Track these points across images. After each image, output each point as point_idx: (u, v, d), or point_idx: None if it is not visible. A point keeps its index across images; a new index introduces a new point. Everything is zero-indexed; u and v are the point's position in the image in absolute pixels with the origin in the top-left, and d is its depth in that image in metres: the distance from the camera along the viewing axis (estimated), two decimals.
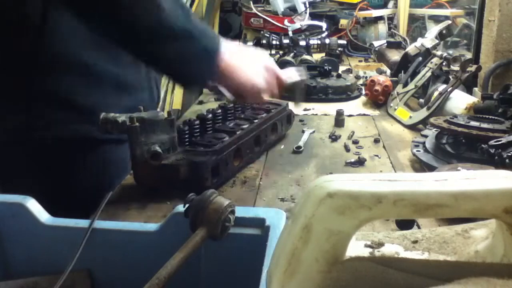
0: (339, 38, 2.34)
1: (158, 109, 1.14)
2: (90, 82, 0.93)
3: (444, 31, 1.58)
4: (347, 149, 1.13)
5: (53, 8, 0.88)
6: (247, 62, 0.91)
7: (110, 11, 0.76)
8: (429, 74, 1.39)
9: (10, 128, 0.94)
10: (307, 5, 2.49)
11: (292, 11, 2.51)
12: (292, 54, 2.01)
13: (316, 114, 1.43)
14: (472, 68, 1.27)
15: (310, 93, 1.56)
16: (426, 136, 1.07)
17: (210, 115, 1.02)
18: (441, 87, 1.29)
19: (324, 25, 2.41)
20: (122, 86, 0.98)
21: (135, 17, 0.77)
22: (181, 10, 0.80)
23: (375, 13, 2.41)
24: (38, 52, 0.90)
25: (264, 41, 2.19)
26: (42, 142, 0.93)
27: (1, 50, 0.91)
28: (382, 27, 2.37)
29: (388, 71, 1.81)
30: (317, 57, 1.98)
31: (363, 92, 1.58)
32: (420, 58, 1.50)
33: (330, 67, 1.70)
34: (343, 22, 2.50)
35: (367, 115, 1.42)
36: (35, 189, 0.69)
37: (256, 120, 1.06)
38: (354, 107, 1.50)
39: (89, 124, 0.92)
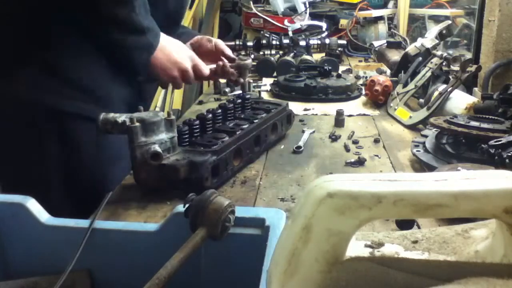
0: (339, 38, 2.35)
1: (158, 109, 1.15)
2: (90, 64, 1.02)
3: (444, 31, 1.58)
4: (347, 149, 1.13)
5: None
6: (175, 51, 1.10)
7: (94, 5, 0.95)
8: (429, 74, 1.39)
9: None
10: (307, 5, 2.49)
11: (292, 11, 2.51)
12: (292, 54, 2.01)
13: (316, 114, 1.43)
14: (472, 68, 1.27)
15: (310, 93, 1.56)
16: (426, 136, 1.07)
17: (210, 115, 1.02)
18: (441, 87, 1.29)
19: (324, 25, 2.41)
20: (115, 75, 1.05)
21: (112, 12, 0.96)
22: (144, 11, 1.00)
23: (375, 13, 2.41)
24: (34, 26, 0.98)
25: (264, 41, 2.19)
26: (36, 114, 0.99)
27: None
28: (382, 27, 2.37)
29: (388, 71, 1.81)
30: (317, 57, 1.98)
31: (363, 92, 1.58)
32: (420, 58, 1.50)
33: (330, 67, 1.70)
34: (343, 22, 2.50)
35: (367, 115, 1.42)
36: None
37: (256, 120, 1.06)
38: (354, 107, 1.50)
39: (82, 101, 1.00)
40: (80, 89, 1.00)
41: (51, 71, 0.98)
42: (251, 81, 1.77)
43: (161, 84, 1.25)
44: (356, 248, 0.40)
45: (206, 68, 1.15)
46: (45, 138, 1.00)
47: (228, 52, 1.26)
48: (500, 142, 0.84)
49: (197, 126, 0.98)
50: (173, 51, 1.08)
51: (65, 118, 1.00)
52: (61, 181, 1.01)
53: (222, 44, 1.27)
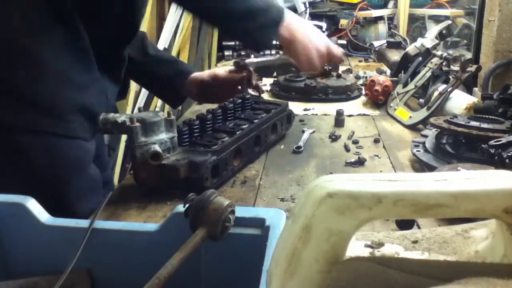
0: (339, 38, 2.35)
1: (158, 109, 1.13)
2: (34, 72, 0.91)
3: (444, 31, 1.58)
4: (347, 149, 1.13)
5: None
6: (310, 31, 1.11)
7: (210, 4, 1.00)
8: (429, 74, 1.39)
9: None
10: (307, 5, 2.49)
11: (292, 11, 2.51)
12: None
13: (316, 114, 1.43)
14: (472, 68, 1.27)
15: (310, 93, 1.56)
16: (426, 136, 1.07)
17: (210, 115, 1.02)
18: (441, 87, 1.29)
19: (324, 25, 2.41)
20: (69, 81, 0.95)
21: (229, 6, 1.00)
22: None
23: (375, 13, 2.41)
24: None
25: None
26: None
27: None
28: (382, 27, 2.37)
29: (388, 71, 1.81)
30: None
31: (363, 92, 1.58)
32: (420, 58, 1.50)
33: (330, 67, 1.70)
34: (343, 22, 2.50)
35: (367, 115, 1.42)
36: None
37: (256, 120, 1.06)
38: (354, 107, 1.50)
39: (31, 113, 0.90)
40: (25, 100, 0.91)
41: None
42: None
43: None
44: (356, 248, 0.40)
45: (338, 49, 1.15)
46: None
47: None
48: (500, 142, 0.84)
49: (197, 126, 0.98)
50: (311, 32, 1.10)
51: (9, 131, 0.91)
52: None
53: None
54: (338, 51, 1.13)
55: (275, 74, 1.84)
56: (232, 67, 1.24)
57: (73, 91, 0.95)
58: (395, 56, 1.80)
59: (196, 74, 1.25)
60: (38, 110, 0.91)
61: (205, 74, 1.26)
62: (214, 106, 1.15)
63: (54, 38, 0.92)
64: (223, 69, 1.29)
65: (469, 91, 1.42)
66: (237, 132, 0.98)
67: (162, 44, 2.47)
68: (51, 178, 0.93)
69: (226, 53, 2.41)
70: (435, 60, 1.41)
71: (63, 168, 0.95)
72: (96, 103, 0.98)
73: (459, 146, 0.96)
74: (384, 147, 1.15)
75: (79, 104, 0.94)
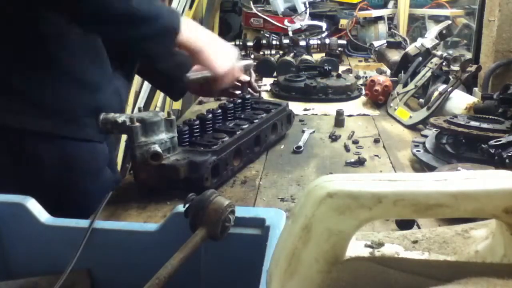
0: (339, 38, 2.34)
1: (158, 109, 1.11)
2: (48, 74, 0.91)
3: (444, 31, 1.58)
4: (347, 149, 1.13)
5: None
6: (215, 39, 1.01)
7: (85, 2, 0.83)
8: (429, 74, 1.39)
9: None
10: (307, 5, 2.49)
11: (292, 11, 2.51)
12: (292, 54, 2.01)
13: (316, 114, 1.43)
14: (472, 68, 1.27)
15: (310, 93, 1.56)
16: (426, 136, 1.07)
17: (210, 115, 1.02)
18: (441, 87, 1.29)
19: (324, 25, 2.41)
20: (83, 83, 0.95)
21: (107, 4, 0.84)
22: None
23: (375, 13, 2.41)
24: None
25: (264, 41, 2.19)
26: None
27: None
28: (382, 27, 2.37)
29: (388, 71, 1.81)
30: (317, 57, 1.98)
31: (363, 92, 1.58)
32: (420, 58, 1.50)
33: (330, 67, 1.70)
34: (343, 22, 2.50)
35: (367, 115, 1.42)
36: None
37: (256, 120, 1.06)
38: (354, 107, 1.50)
39: (45, 117, 0.90)
40: (35, 103, 0.90)
41: (4, 87, 0.88)
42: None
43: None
44: (356, 248, 0.40)
45: (244, 76, 1.10)
46: (4, 157, 0.90)
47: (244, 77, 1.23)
48: (500, 142, 0.84)
49: (197, 126, 0.98)
50: (215, 39, 1.01)
51: (19, 136, 0.90)
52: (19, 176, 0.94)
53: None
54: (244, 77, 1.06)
55: (275, 74, 1.84)
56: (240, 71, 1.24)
57: (87, 92, 0.94)
58: (395, 56, 1.80)
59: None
60: (53, 113, 0.90)
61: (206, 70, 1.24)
62: (214, 106, 1.15)
63: (69, 39, 0.92)
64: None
65: (469, 91, 1.42)
66: (237, 132, 0.98)
67: None
68: (66, 183, 0.93)
69: None
70: (435, 60, 1.41)
71: (78, 172, 0.94)
72: (110, 103, 0.98)
73: (459, 146, 0.96)
74: (384, 147, 1.15)
75: (94, 106, 0.93)
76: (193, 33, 0.94)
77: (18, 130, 0.89)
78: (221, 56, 0.98)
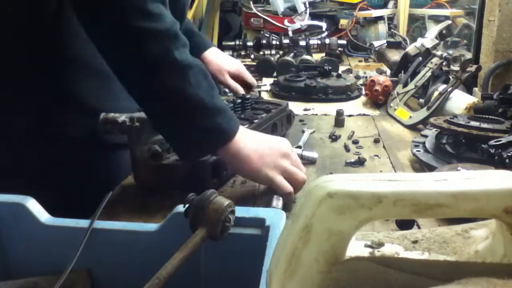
0: (339, 38, 2.34)
1: None
2: (103, 85, 0.94)
3: (444, 31, 1.58)
4: (347, 149, 1.13)
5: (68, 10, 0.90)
6: (258, 156, 0.81)
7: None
8: (429, 74, 1.39)
9: (20, 128, 0.94)
10: (307, 5, 2.49)
11: (292, 11, 2.51)
12: (292, 54, 2.01)
13: (316, 114, 1.43)
14: (472, 68, 1.27)
15: (310, 93, 1.56)
16: (426, 136, 1.07)
17: None
18: (441, 87, 1.29)
19: (324, 25, 2.41)
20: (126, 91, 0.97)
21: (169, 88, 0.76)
22: (207, 85, 0.78)
23: (375, 13, 2.41)
24: (52, 53, 0.92)
25: (264, 41, 2.19)
26: (53, 142, 0.93)
27: (16, 49, 0.92)
28: (382, 27, 2.37)
29: (388, 71, 1.81)
30: (317, 57, 1.98)
31: (363, 92, 1.58)
32: (420, 58, 1.50)
33: (330, 67, 1.70)
34: (343, 22, 2.50)
35: (367, 115, 1.42)
36: (38, 189, 0.69)
37: (256, 120, 1.06)
38: (354, 107, 1.50)
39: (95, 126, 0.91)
40: (93, 114, 0.89)
41: (62, 97, 0.93)
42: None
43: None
44: (356, 248, 0.40)
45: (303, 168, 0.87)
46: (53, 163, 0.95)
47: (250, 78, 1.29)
48: (500, 142, 0.84)
49: None
50: (262, 138, 0.85)
51: (79, 146, 0.94)
52: (67, 181, 0.98)
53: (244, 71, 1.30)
54: (301, 175, 0.83)
55: (275, 74, 1.84)
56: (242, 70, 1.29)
57: (130, 100, 0.89)
58: (395, 56, 1.80)
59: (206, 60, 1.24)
60: (77, 110, 0.93)
61: (212, 65, 1.25)
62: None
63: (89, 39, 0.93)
64: (233, 65, 1.31)
65: (469, 91, 1.42)
66: None
67: None
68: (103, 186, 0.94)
69: (226, 53, 2.40)
70: (435, 60, 1.41)
71: (121, 177, 0.96)
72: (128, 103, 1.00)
73: (459, 146, 0.96)
74: (384, 147, 1.15)
75: (133, 112, 0.92)
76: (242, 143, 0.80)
77: (73, 140, 0.93)
78: (267, 164, 0.81)
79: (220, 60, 1.34)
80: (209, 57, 1.30)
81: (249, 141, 0.81)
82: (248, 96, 1.18)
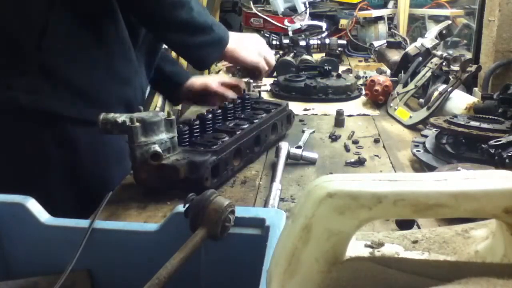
0: (339, 38, 2.34)
1: (158, 109, 1.17)
2: (85, 65, 1.01)
3: (444, 31, 1.58)
4: (347, 149, 1.13)
5: (55, 10, 0.96)
6: (246, 46, 1.19)
7: (155, 9, 0.99)
8: (429, 74, 1.39)
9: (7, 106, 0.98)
10: (307, 5, 2.49)
11: (292, 11, 2.51)
12: (292, 54, 2.01)
13: (316, 114, 1.43)
14: (472, 68, 1.27)
15: (310, 93, 1.56)
16: (426, 136, 1.07)
17: (210, 115, 1.02)
18: (441, 87, 1.29)
19: (324, 25, 2.41)
20: (116, 77, 1.05)
21: (173, 14, 0.99)
22: (202, 8, 1.04)
23: (375, 13, 2.41)
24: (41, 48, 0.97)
25: None
26: (38, 118, 0.98)
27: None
28: (382, 27, 2.37)
29: (388, 71, 1.81)
30: (317, 57, 1.98)
31: (363, 92, 1.58)
32: (420, 58, 1.50)
33: (330, 67, 1.70)
34: (343, 22, 2.50)
35: (367, 115, 1.42)
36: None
37: (256, 120, 1.06)
38: (354, 107, 1.50)
39: (81, 104, 1.00)
40: (79, 92, 1.00)
41: (49, 75, 0.97)
42: (251, 81, 1.77)
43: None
44: (356, 248, 0.40)
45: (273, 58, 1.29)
46: (45, 143, 0.99)
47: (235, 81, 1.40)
48: (500, 142, 0.84)
49: (197, 126, 0.98)
50: (251, 42, 1.19)
51: (64, 122, 0.99)
52: (61, 182, 1.01)
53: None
54: (272, 61, 1.26)
55: (275, 74, 1.84)
56: (225, 78, 1.40)
57: (118, 84, 1.05)
58: (395, 56, 1.79)
59: (189, 83, 1.34)
60: (88, 101, 1.00)
61: (197, 83, 1.34)
62: (214, 106, 1.16)
63: (103, 32, 1.02)
64: (216, 79, 1.37)
65: (469, 91, 1.42)
66: (237, 132, 0.98)
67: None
68: (96, 169, 1.02)
69: None
70: (435, 60, 1.41)
71: (107, 159, 1.04)
72: (135, 97, 1.10)
73: (459, 146, 0.96)
74: (384, 147, 1.15)
75: (122, 97, 1.05)
76: (233, 42, 1.12)
77: (57, 116, 0.98)
78: (251, 50, 1.19)
79: (202, 78, 1.43)
80: (192, 79, 1.39)
81: (239, 40, 1.16)
82: (248, 96, 1.18)
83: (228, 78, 1.45)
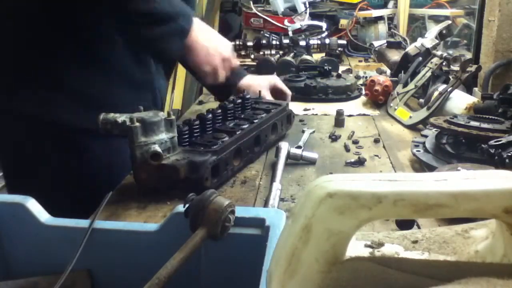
0: (339, 38, 2.34)
1: (154, 110, 1.15)
2: (97, 71, 0.99)
3: (444, 31, 1.58)
4: (347, 149, 1.13)
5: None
6: (210, 44, 1.07)
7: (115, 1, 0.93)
8: (429, 74, 1.39)
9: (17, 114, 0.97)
10: (307, 5, 2.49)
11: (292, 11, 2.51)
12: (292, 54, 2.01)
13: (316, 114, 1.43)
14: (472, 68, 1.27)
15: (310, 93, 1.56)
16: (426, 136, 1.07)
17: (210, 115, 1.02)
18: (441, 87, 1.29)
19: (324, 25, 2.41)
20: (127, 81, 1.02)
21: (134, 4, 0.93)
22: None
23: (375, 13, 2.41)
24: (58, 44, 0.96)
25: (264, 41, 2.19)
26: (49, 128, 0.97)
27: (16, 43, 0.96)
28: (382, 27, 2.37)
29: (388, 71, 1.81)
30: (317, 57, 1.98)
31: (363, 92, 1.58)
32: (420, 58, 1.50)
33: (330, 67, 1.70)
34: (343, 22, 2.50)
35: (367, 115, 1.42)
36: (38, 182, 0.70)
37: (256, 120, 1.06)
38: (354, 107, 1.50)
39: (92, 114, 0.94)
40: (86, 101, 0.98)
41: (55, 84, 0.96)
42: None
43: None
44: (356, 248, 0.40)
45: (235, 62, 1.15)
46: (50, 150, 0.98)
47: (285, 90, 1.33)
48: (500, 142, 0.84)
49: (197, 126, 0.98)
50: (212, 38, 1.05)
51: (72, 132, 0.98)
52: (64, 186, 1.00)
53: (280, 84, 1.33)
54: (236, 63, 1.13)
55: (275, 74, 1.84)
56: (278, 81, 1.34)
57: (132, 90, 1.03)
58: (395, 56, 1.80)
59: (243, 83, 1.27)
60: (99, 110, 0.94)
61: (250, 87, 1.26)
62: (214, 106, 1.15)
63: (114, 41, 1.00)
64: (267, 82, 1.31)
65: (469, 91, 1.42)
66: (237, 132, 0.98)
67: None
68: (108, 178, 0.99)
69: None
70: (435, 60, 1.41)
71: (120, 167, 0.99)
72: (151, 101, 1.07)
73: (459, 146, 0.96)
74: (384, 147, 1.15)
75: (136, 103, 0.97)
76: (196, 32, 1.01)
77: (67, 126, 0.97)
78: (209, 53, 1.05)
79: (253, 79, 1.34)
80: (247, 81, 1.30)
81: (201, 36, 1.03)
82: (248, 96, 1.18)
83: (280, 82, 1.36)
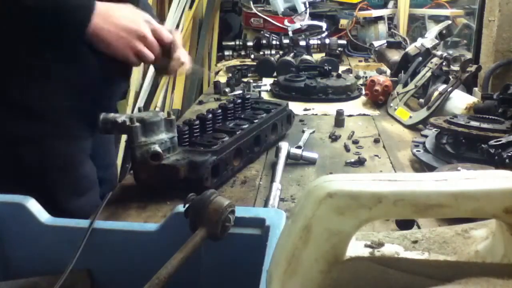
0: (339, 38, 2.35)
1: (158, 109, 1.10)
2: (28, 78, 0.92)
3: (444, 31, 1.58)
4: (347, 149, 1.13)
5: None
6: (124, 15, 0.91)
7: None
8: (429, 74, 1.39)
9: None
10: (307, 5, 2.49)
11: (292, 11, 2.51)
12: (292, 54, 2.02)
13: (316, 114, 1.43)
14: (472, 68, 1.27)
15: (310, 93, 1.56)
16: (426, 136, 1.07)
17: (210, 115, 1.02)
18: (441, 87, 1.29)
19: (324, 25, 2.41)
20: (67, 85, 0.95)
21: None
22: None
23: (375, 13, 2.41)
24: None
25: (264, 41, 2.19)
26: None
27: None
28: (382, 27, 2.37)
29: (388, 71, 1.81)
30: (317, 57, 1.99)
31: (363, 92, 1.58)
32: (420, 58, 1.50)
33: (330, 67, 1.70)
34: (343, 22, 2.50)
35: (367, 115, 1.42)
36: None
37: (256, 120, 1.06)
38: (354, 107, 1.50)
39: (27, 122, 0.92)
40: (24, 109, 0.91)
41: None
42: (251, 81, 1.77)
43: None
44: (356, 248, 0.40)
45: (167, 32, 0.95)
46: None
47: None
48: (500, 142, 0.84)
49: (197, 126, 0.98)
50: (122, 16, 0.89)
51: (13, 141, 0.92)
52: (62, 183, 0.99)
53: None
54: (166, 33, 0.94)
55: (275, 74, 1.84)
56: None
57: (73, 95, 0.94)
58: (395, 56, 1.80)
59: None
60: (34, 118, 0.91)
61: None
62: (214, 106, 1.15)
63: (57, 49, 0.91)
64: None
65: (469, 91, 1.42)
66: (237, 132, 0.98)
67: None
68: (42, 177, 0.95)
69: (226, 53, 2.41)
70: (435, 60, 1.41)
71: (54, 166, 0.95)
72: (96, 103, 0.97)
73: (459, 146, 0.96)
74: (384, 147, 1.15)
75: (77, 107, 0.94)
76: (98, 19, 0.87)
77: (11, 136, 0.91)
78: (121, 37, 0.89)
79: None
80: None
81: (107, 22, 0.89)
82: (248, 96, 1.19)
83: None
